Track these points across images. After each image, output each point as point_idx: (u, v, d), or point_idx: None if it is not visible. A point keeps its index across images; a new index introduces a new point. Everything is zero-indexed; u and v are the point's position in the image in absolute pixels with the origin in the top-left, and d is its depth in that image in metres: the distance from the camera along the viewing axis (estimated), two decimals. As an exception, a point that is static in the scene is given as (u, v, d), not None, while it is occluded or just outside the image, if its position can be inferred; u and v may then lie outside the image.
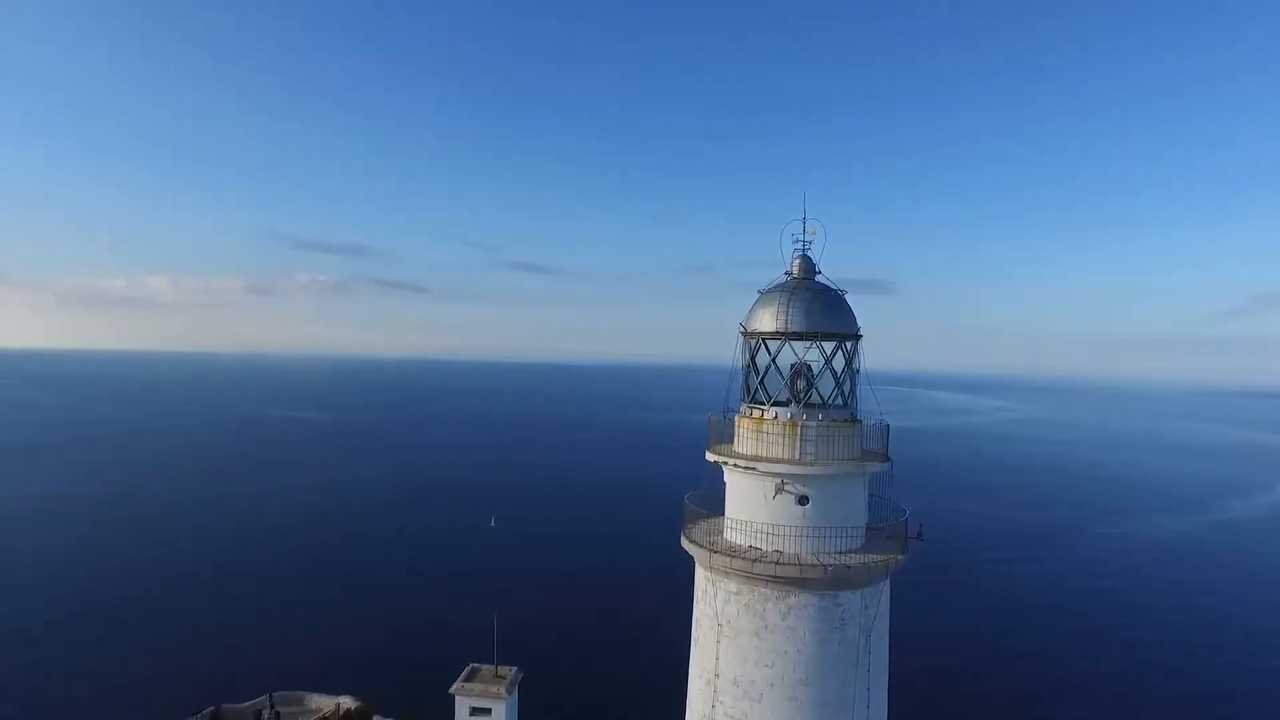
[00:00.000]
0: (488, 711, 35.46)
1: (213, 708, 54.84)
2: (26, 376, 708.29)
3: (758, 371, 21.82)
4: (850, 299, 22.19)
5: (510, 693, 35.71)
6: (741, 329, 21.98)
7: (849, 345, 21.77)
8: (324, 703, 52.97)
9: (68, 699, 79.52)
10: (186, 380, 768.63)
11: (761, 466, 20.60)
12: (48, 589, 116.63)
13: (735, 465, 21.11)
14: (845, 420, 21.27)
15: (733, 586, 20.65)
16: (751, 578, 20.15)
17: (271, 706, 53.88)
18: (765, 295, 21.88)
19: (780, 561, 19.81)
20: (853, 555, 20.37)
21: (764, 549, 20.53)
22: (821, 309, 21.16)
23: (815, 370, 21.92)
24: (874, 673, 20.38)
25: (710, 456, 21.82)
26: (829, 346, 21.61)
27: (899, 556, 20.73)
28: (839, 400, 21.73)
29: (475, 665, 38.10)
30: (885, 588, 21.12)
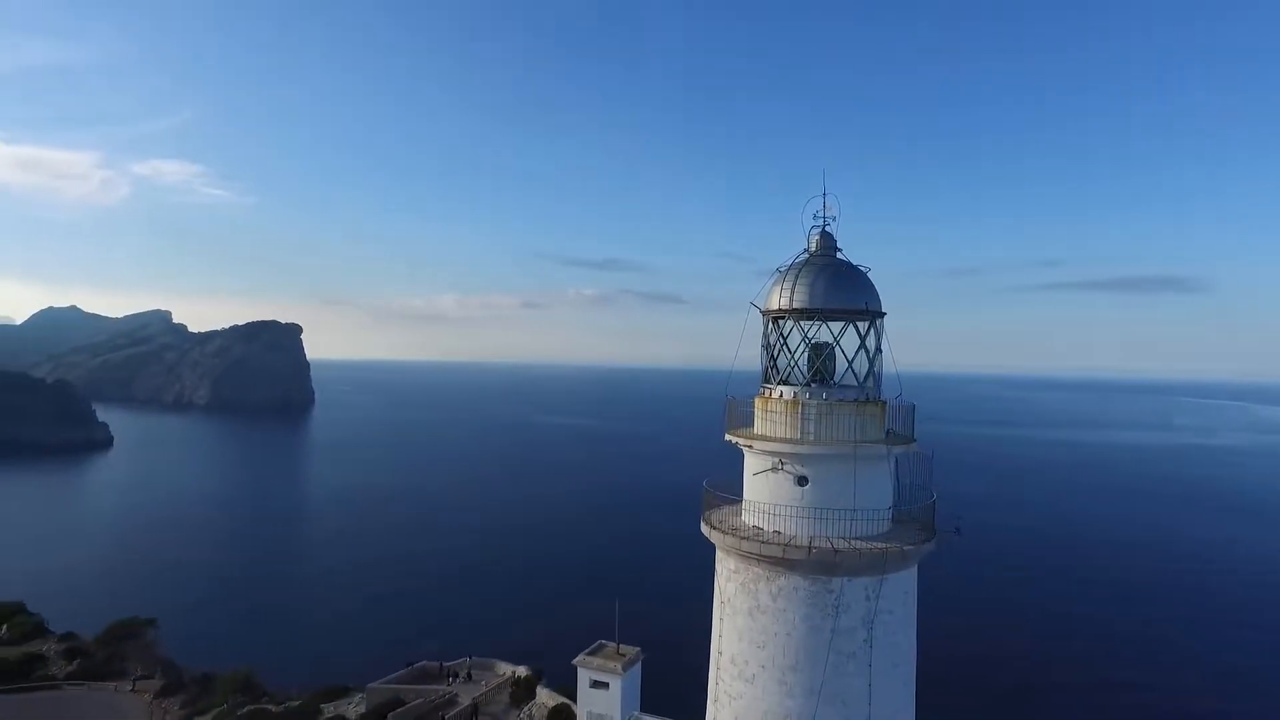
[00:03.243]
0: (605, 685, 37.45)
1: (438, 663, 63.17)
2: (353, 383, 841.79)
3: (768, 351, 21.51)
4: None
5: (626, 670, 37.34)
6: (757, 308, 21.78)
7: (863, 323, 20.71)
8: (507, 670, 58.52)
9: (345, 639, 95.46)
10: (469, 387, 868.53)
11: (758, 445, 20.38)
12: (339, 559, 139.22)
13: (738, 444, 21.05)
14: (855, 401, 20.26)
15: (732, 564, 20.60)
16: (744, 555, 20.01)
17: (469, 669, 60.67)
18: (779, 273, 21.52)
19: (767, 540, 19.48)
20: (858, 541, 19.37)
21: (765, 529, 20.26)
22: (826, 285, 20.35)
23: (845, 350, 21.13)
24: (879, 668, 19.14)
25: (728, 437, 21.88)
26: (842, 325, 20.73)
27: (905, 547, 19.29)
28: (852, 380, 20.76)
29: (603, 642, 40.22)
30: (900, 579, 19.74)
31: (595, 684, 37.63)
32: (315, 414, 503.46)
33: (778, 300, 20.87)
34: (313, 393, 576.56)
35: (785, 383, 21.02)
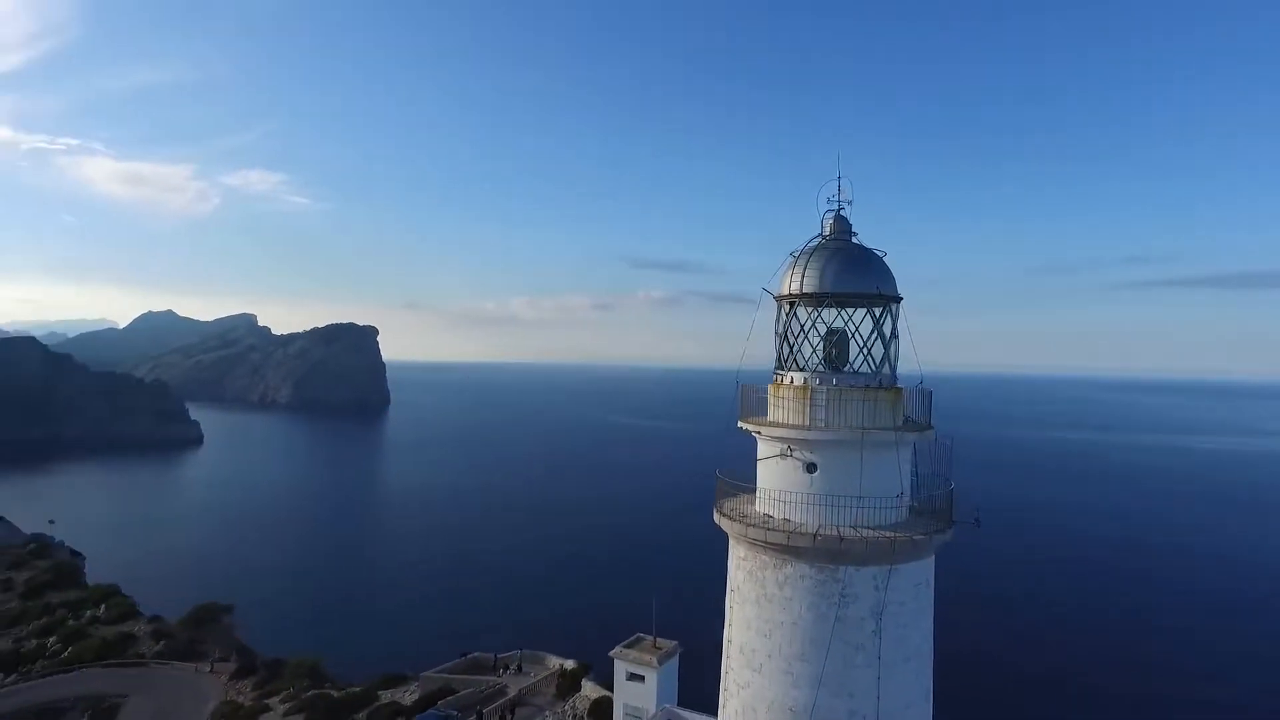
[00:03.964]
0: (641, 678, 37.52)
1: (492, 654, 64.59)
2: (427, 384, 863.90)
3: (781, 337, 21.17)
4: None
5: (662, 664, 37.29)
6: (770, 294, 21.47)
7: (876, 308, 20.20)
8: (556, 663, 59.21)
9: (411, 628, 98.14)
10: (539, 388, 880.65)
11: (766, 431, 20.13)
12: (406, 553, 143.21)
13: (747, 430, 20.83)
14: (866, 387, 19.77)
15: (741, 552, 20.40)
16: (752, 543, 19.79)
17: (519, 661, 61.71)
18: (791, 257, 21.16)
19: (771, 527, 19.20)
20: (867, 530, 18.90)
21: (775, 516, 19.98)
22: (837, 269, 19.87)
23: (862, 336, 20.70)
24: (889, 660, 18.61)
25: (740, 424, 21.67)
26: (855, 310, 20.28)
27: (915, 536, 18.69)
28: (867, 367, 20.30)
29: (640, 635, 40.28)
30: (912, 570, 19.14)
31: (631, 676, 37.77)
32: (390, 414, 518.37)
33: (788, 285, 20.56)
34: (388, 393, 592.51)
35: (797, 369, 20.69)
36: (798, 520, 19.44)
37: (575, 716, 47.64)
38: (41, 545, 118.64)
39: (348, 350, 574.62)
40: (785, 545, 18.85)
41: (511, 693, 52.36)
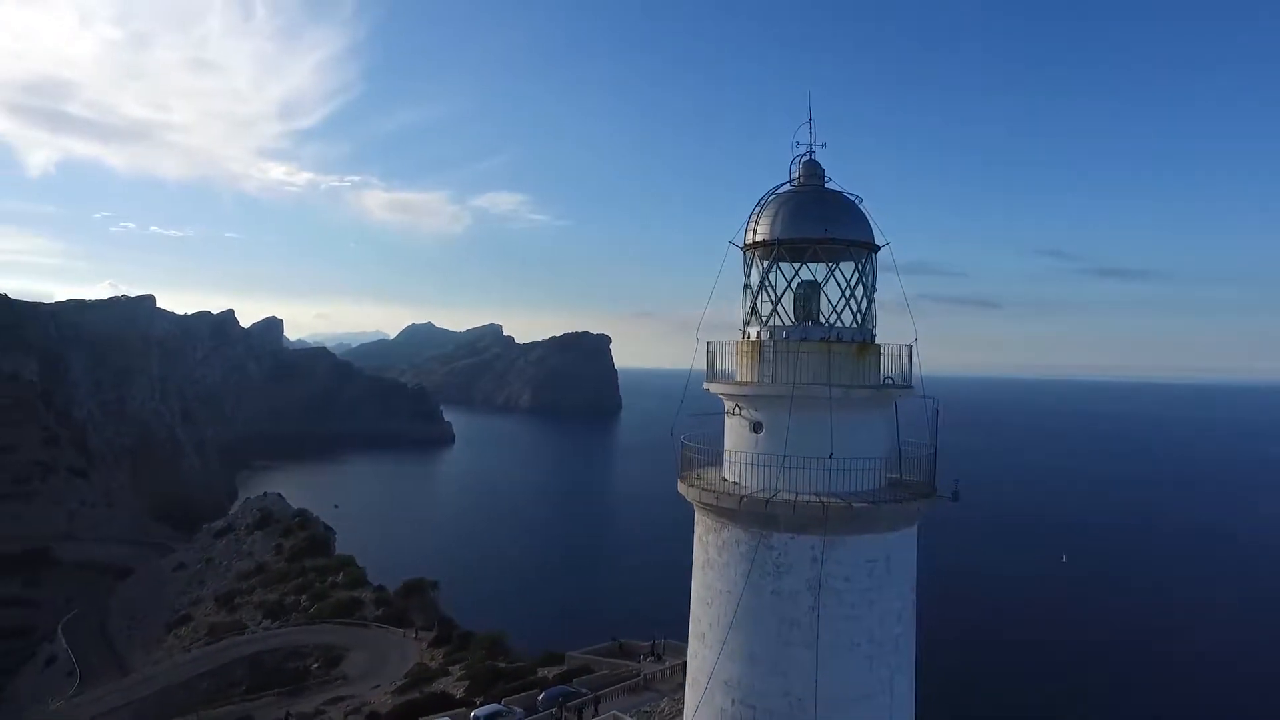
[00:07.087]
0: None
1: (650, 641, 66.16)
2: (658, 391, 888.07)
3: (743, 291, 19.81)
4: None
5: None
6: (736, 246, 20.14)
7: (835, 258, 18.26)
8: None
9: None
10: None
11: (714, 389, 19.03)
12: (613, 543, 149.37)
13: (709, 389, 19.73)
14: (823, 340, 17.94)
15: (696, 516, 19.43)
16: (697, 505, 18.83)
17: (660, 650, 62.47)
18: (759, 206, 19.73)
19: (704, 487, 18.09)
20: (805, 495, 17.12)
21: (729, 479, 18.84)
22: (790, 213, 18.17)
23: (840, 286, 18.97)
24: (830, 641, 16.65)
25: (705, 385, 20.58)
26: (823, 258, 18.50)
27: (855, 504, 16.56)
28: (852, 321, 18.50)
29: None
30: (865, 544, 17.00)
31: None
32: (621, 418, 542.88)
33: (746, 235, 19.30)
34: (620, 399, 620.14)
35: (753, 324, 19.34)
36: (744, 482, 18.16)
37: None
38: (304, 519, 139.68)
39: (583, 358, 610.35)
40: (716, 506, 17.74)
41: (639, 679, 53.14)
